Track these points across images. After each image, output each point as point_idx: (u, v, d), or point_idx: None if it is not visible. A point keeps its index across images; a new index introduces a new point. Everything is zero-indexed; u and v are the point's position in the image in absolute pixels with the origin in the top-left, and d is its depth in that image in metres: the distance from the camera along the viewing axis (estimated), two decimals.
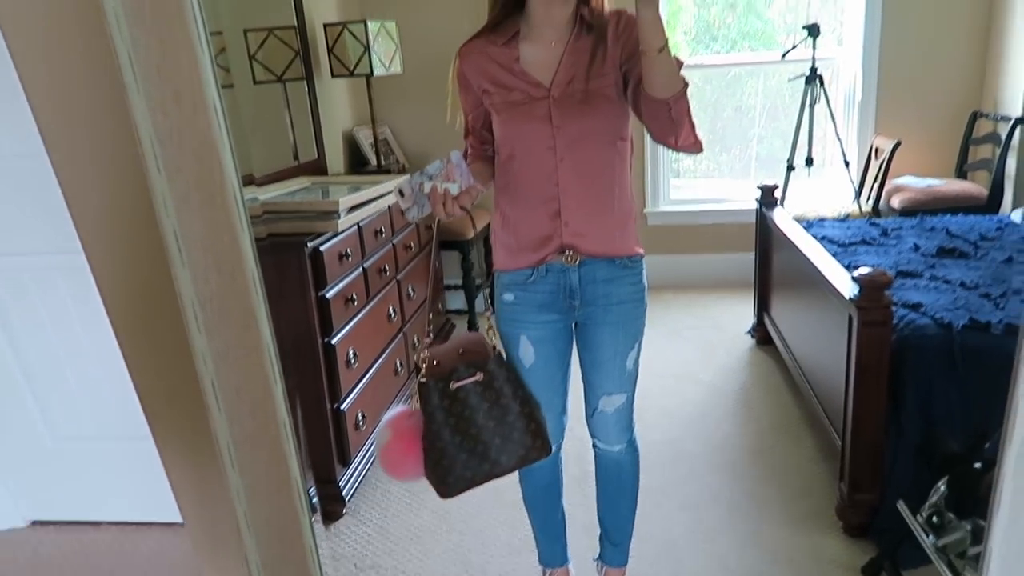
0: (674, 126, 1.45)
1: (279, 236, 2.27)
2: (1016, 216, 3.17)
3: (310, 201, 2.33)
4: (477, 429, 1.51)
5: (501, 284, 1.68)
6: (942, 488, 1.58)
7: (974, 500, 1.51)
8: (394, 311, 2.94)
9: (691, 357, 3.54)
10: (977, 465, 1.53)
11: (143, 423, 1.35)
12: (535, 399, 1.56)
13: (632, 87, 1.50)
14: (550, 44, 1.53)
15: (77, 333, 2.29)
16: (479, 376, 1.51)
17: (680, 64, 1.43)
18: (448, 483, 1.51)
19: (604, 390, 1.73)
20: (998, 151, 3.67)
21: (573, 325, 1.71)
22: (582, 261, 1.59)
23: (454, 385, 1.50)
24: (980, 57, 4.01)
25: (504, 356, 1.58)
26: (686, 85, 1.43)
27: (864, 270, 2.04)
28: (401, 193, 1.44)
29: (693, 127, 1.48)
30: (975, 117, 3.97)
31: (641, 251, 1.66)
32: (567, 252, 1.58)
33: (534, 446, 1.54)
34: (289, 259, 2.22)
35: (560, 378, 1.74)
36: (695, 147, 1.51)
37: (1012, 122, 3.59)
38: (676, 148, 1.51)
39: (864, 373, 2.05)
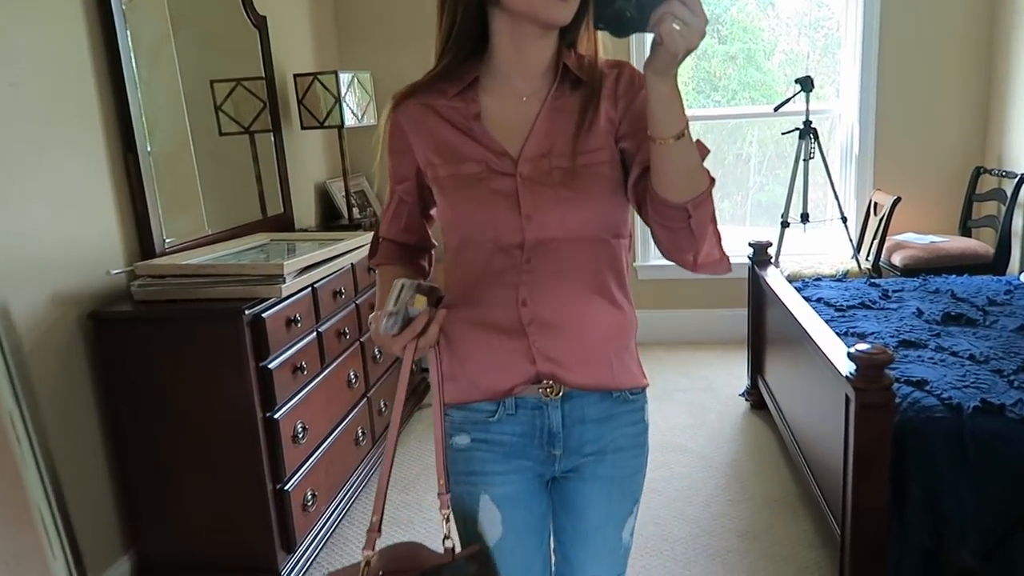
0: (693, 240, 1.04)
1: (216, 302, 2.07)
2: None
3: (253, 264, 2.14)
4: None
5: (450, 424, 1.21)
6: None
7: None
8: (356, 376, 2.72)
9: (681, 423, 3.30)
10: None
11: None
12: None
13: (634, 180, 1.09)
14: (520, 99, 1.13)
15: None
16: None
17: (705, 153, 1.05)
18: None
19: (591, 572, 1.25)
20: (1003, 208, 3.49)
21: (549, 481, 1.24)
22: (566, 394, 1.15)
23: None
24: (981, 111, 3.86)
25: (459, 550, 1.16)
26: (712, 182, 1.04)
27: (862, 346, 1.83)
28: (391, 315, 1.05)
29: (719, 238, 1.08)
30: (978, 172, 3.80)
31: (646, 381, 1.22)
32: (544, 383, 1.14)
33: None
34: (224, 328, 2.01)
35: (540, 562, 1.25)
36: (719, 266, 1.10)
37: (1017, 178, 3.41)
38: (695, 268, 1.09)
39: (863, 461, 1.83)
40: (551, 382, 1.14)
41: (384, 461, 1.17)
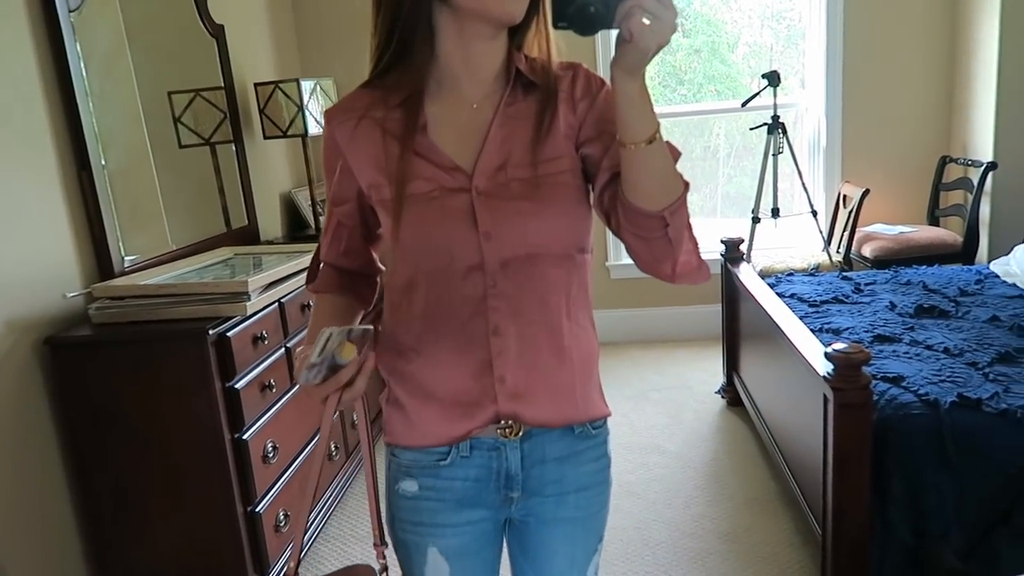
0: (671, 249, 0.98)
1: (178, 322, 2.01)
2: (996, 268, 2.98)
3: (216, 283, 2.07)
4: None
5: (397, 466, 1.11)
6: None
7: None
8: None
9: (658, 423, 3.28)
10: None
11: None
12: None
13: (602, 187, 1.01)
14: (471, 107, 1.03)
15: None
16: None
17: (677, 155, 0.99)
18: None
19: None
20: (970, 196, 3.52)
21: (505, 522, 1.15)
22: (526, 433, 1.06)
23: None
24: (946, 101, 3.89)
25: None
26: (687, 186, 0.97)
27: (838, 345, 1.81)
28: (312, 366, 0.96)
29: (696, 245, 1.01)
30: (944, 162, 3.83)
31: (608, 411, 1.14)
32: (504, 423, 1.04)
33: None
34: (187, 349, 1.95)
35: None
36: (698, 274, 1.03)
37: (983, 167, 3.44)
38: (674, 279, 1.02)
39: (843, 460, 1.81)
40: (511, 421, 1.04)
41: (301, 507, 1.14)
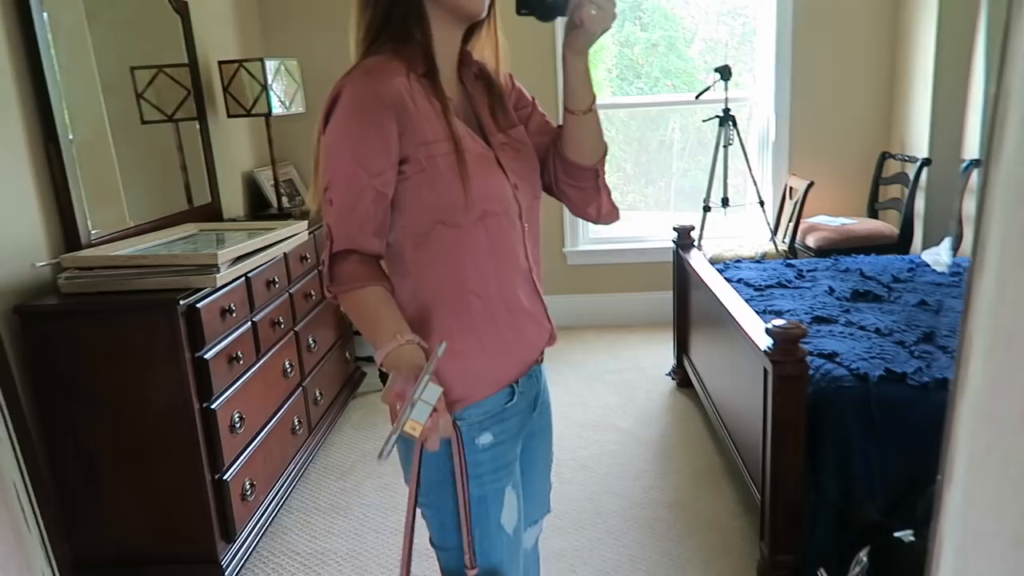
0: (598, 195, 1.25)
1: (148, 293, 2.05)
2: (927, 257, 3.18)
3: (185, 255, 2.11)
4: None
5: (470, 426, 1.15)
6: (864, 560, 1.47)
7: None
8: (291, 365, 2.72)
9: (611, 402, 3.42)
10: (897, 535, 1.43)
11: None
12: None
13: (542, 157, 1.26)
14: (451, 84, 1.17)
15: None
16: None
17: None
18: None
19: (529, 519, 1.35)
20: (906, 191, 3.71)
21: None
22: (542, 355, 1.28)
23: None
24: (886, 99, 4.09)
25: None
26: (606, 147, 1.25)
27: (778, 322, 1.95)
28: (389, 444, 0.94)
29: (609, 192, 1.28)
30: (884, 158, 4.03)
31: None
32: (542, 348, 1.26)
33: None
34: (158, 319, 1.99)
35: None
36: (613, 214, 1.29)
37: (919, 163, 3.63)
38: (597, 219, 1.28)
39: (781, 429, 1.95)
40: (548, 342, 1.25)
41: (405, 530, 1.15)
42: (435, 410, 0.95)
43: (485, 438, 1.15)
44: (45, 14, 2.25)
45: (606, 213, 1.28)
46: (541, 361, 1.26)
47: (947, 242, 3.24)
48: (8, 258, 2.08)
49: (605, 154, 1.23)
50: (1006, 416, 0.44)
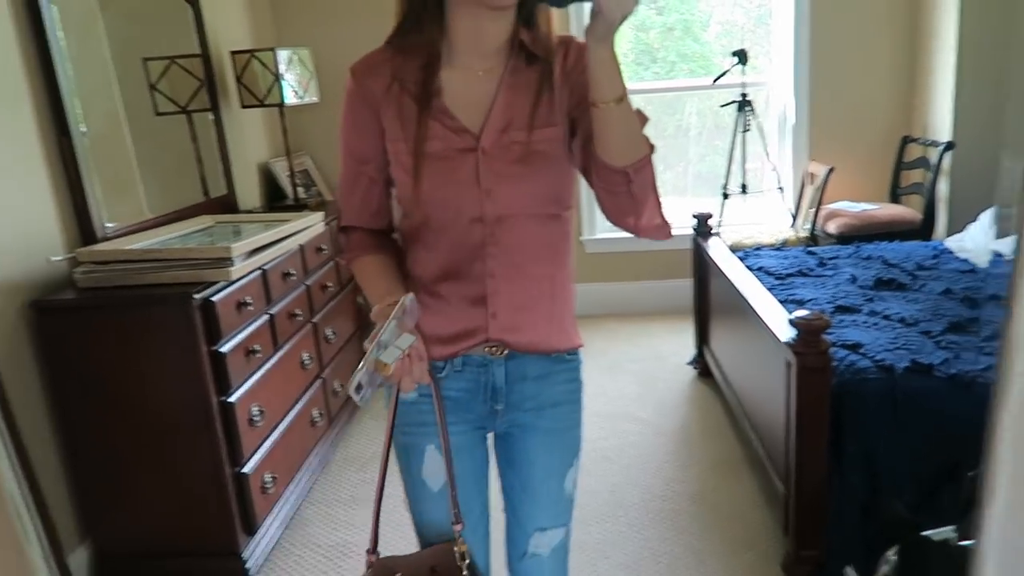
0: (634, 204, 1.09)
1: (163, 287, 2.04)
2: (951, 244, 3.12)
3: (200, 248, 2.10)
4: None
5: None
6: (892, 558, 1.44)
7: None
8: (310, 357, 2.71)
9: (631, 392, 3.39)
10: (926, 533, 1.39)
11: None
12: None
13: (580, 143, 1.13)
14: (478, 75, 1.15)
15: None
16: None
17: (644, 120, 1.09)
18: None
19: (537, 524, 1.31)
20: (929, 175, 3.64)
21: (490, 437, 1.33)
22: (510, 354, 1.22)
23: None
24: (907, 82, 4.01)
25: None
26: (652, 149, 1.09)
27: (801, 313, 1.91)
28: (359, 387, 1.02)
29: (659, 205, 1.12)
30: (905, 142, 3.96)
31: (580, 342, 1.30)
32: (491, 344, 1.21)
33: None
34: (174, 313, 1.99)
35: (479, 509, 1.33)
36: (660, 231, 1.14)
37: (942, 147, 3.56)
38: (636, 233, 1.14)
39: (804, 422, 1.92)
40: (497, 343, 1.21)
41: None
42: (408, 356, 1.04)
43: (410, 394, 1.23)
44: (54, 7, 2.23)
45: (646, 228, 1.13)
46: (497, 355, 1.22)
47: (973, 228, 3.16)
48: (24, 253, 2.08)
49: (645, 159, 1.07)
50: None
